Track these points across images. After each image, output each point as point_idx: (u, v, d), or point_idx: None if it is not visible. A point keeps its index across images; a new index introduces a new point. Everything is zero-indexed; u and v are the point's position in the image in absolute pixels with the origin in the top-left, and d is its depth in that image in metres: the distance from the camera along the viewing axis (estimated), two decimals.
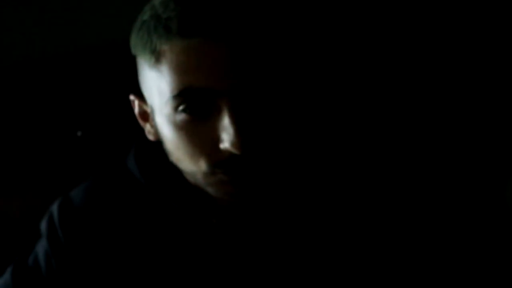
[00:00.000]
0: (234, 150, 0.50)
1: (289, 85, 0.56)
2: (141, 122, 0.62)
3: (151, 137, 0.61)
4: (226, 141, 0.50)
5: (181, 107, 0.51)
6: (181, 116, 0.52)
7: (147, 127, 0.61)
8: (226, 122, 0.50)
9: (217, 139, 0.51)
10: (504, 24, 1.09)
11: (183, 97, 0.51)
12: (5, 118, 1.09)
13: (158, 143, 0.59)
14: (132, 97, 0.62)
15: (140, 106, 0.61)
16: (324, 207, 0.63)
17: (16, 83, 1.05)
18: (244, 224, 0.62)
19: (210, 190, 0.57)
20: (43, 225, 0.66)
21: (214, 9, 0.49)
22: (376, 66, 1.15)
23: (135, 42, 0.55)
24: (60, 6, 1.03)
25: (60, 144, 1.10)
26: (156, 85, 0.53)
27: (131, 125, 0.67)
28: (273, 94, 0.53)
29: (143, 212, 0.64)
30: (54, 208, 0.66)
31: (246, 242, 0.61)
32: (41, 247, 0.65)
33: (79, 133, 1.08)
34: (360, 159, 0.70)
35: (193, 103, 0.51)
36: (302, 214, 0.62)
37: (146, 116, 0.60)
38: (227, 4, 0.50)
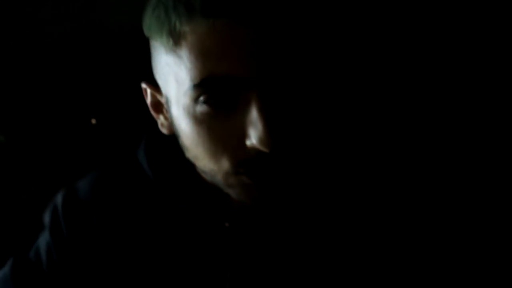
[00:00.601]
0: (262, 148, 0.44)
1: (317, 76, 0.50)
2: (154, 113, 0.56)
3: (164, 130, 0.55)
4: (254, 137, 0.44)
5: (202, 98, 0.45)
6: (202, 108, 0.46)
7: (161, 119, 0.55)
8: (254, 115, 0.44)
9: (243, 135, 0.45)
10: (504, 24, 1.05)
11: (206, 86, 0.44)
12: (18, 107, 1.07)
13: (172, 137, 0.54)
14: (144, 85, 0.55)
15: (153, 96, 0.55)
16: (334, 208, 0.58)
17: (27, 75, 1.03)
18: (258, 229, 0.56)
19: (231, 192, 0.51)
20: (47, 217, 0.62)
21: None
22: (380, 67, 1.14)
23: (150, 22, 0.48)
24: None
25: (74, 132, 1.07)
26: (174, 72, 0.47)
27: (145, 114, 0.62)
28: (303, 85, 0.47)
29: (150, 209, 0.59)
30: (59, 199, 0.62)
31: (259, 248, 0.56)
32: (43, 239, 0.62)
33: (93, 121, 1.05)
34: (365, 159, 0.66)
35: (216, 94, 0.45)
36: (313, 217, 0.57)
37: (160, 107, 0.54)
38: None
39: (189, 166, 0.55)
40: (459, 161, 1.07)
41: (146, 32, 0.50)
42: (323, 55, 0.50)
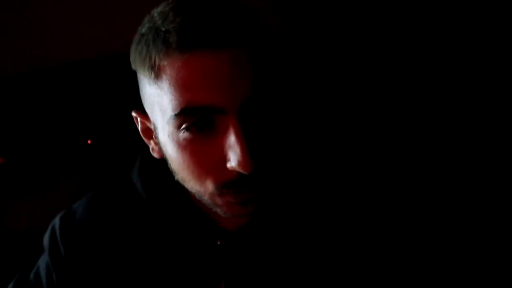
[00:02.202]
0: (242, 170, 0.47)
1: (289, 97, 0.53)
2: (145, 139, 0.59)
3: (155, 154, 0.58)
4: (233, 160, 0.47)
5: (184, 126, 0.48)
6: (184, 135, 0.49)
7: (151, 144, 0.58)
8: (232, 140, 0.47)
9: (224, 159, 0.48)
10: (504, 24, 1.07)
11: (186, 115, 0.48)
12: (16, 126, 1.09)
13: (164, 160, 0.56)
14: (134, 114, 0.59)
15: (142, 123, 0.58)
16: (320, 219, 0.60)
17: (26, 94, 1.06)
18: (250, 246, 0.59)
19: (218, 211, 0.54)
20: (46, 240, 0.65)
21: (214, 20, 0.46)
22: (375, 69, 1.14)
23: (134, 57, 0.52)
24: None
25: (70, 152, 1.10)
26: (158, 102, 0.50)
27: (138, 137, 0.65)
28: (277, 108, 0.50)
29: (144, 229, 0.61)
30: (56, 222, 0.64)
31: (251, 264, 0.58)
32: (42, 261, 0.64)
33: (89, 142, 1.08)
34: (359, 163, 0.68)
35: (196, 122, 0.48)
36: (302, 229, 0.60)
37: (150, 133, 0.57)
38: (227, 15, 0.48)
39: (180, 187, 0.57)
40: (458, 162, 1.08)
41: (132, 65, 0.54)
42: (291, 79, 0.53)
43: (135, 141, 0.66)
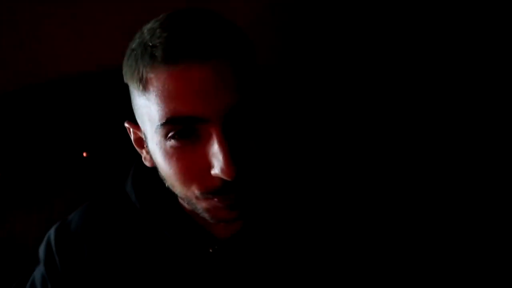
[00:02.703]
0: (225, 177, 0.50)
1: (271, 104, 0.55)
2: (137, 148, 0.62)
3: (147, 163, 0.61)
4: (217, 167, 0.50)
5: (170, 134, 0.51)
6: (171, 143, 0.52)
7: (143, 153, 0.61)
8: (215, 148, 0.50)
9: (208, 165, 0.51)
10: (504, 24, 1.09)
11: (171, 124, 0.51)
12: (11, 139, 1.10)
13: (155, 169, 0.59)
14: (127, 125, 0.62)
15: (135, 133, 0.61)
16: (320, 224, 0.63)
17: (21, 107, 1.07)
18: (241, 253, 0.61)
19: (205, 215, 0.56)
20: (41, 251, 0.67)
21: (197, 34, 0.50)
22: (372, 70, 1.14)
23: (125, 70, 0.55)
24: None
25: (65, 164, 1.11)
26: (146, 113, 0.53)
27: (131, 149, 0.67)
28: (258, 116, 0.53)
29: (138, 238, 0.63)
30: (51, 233, 0.67)
31: (243, 271, 0.60)
32: (38, 273, 0.66)
33: (84, 154, 1.09)
34: (356, 165, 0.69)
35: (181, 130, 0.51)
36: (298, 236, 0.62)
37: (142, 142, 0.60)
38: (210, 30, 0.51)
39: (172, 195, 0.60)
40: (456, 162, 1.09)
41: (124, 78, 0.57)
42: (271, 87, 0.55)
43: (130, 152, 0.68)
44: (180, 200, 0.62)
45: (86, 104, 1.06)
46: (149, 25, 0.54)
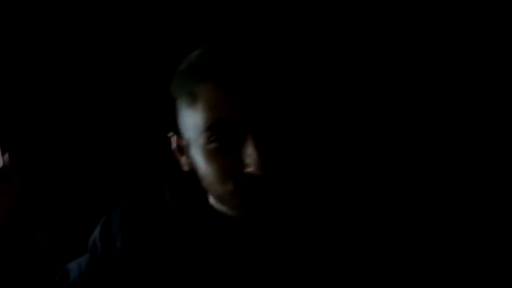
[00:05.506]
0: (257, 173, 0.60)
1: (299, 116, 0.67)
2: (177, 155, 0.73)
3: (185, 167, 0.71)
4: (250, 165, 0.60)
5: (211, 138, 0.63)
6: (212, 146, 0.63)
7: (183, 159, 0.72)
8: (250, 149, 0.60)
9: (242, 165, 0.61)
10: (504, 24, 1.12)
11: (214, 129, 0.62)
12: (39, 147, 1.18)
13: (189, 177, 0.70)
14: (171, 134, 0.73)
15: (177, 142, 0.72)
16: (331, 219, 0.71)
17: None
18: (265, 250, 0.69)
19: (235, 212, 0.66)
20: (89, 241, 0.77)
21: (235, 59, 0.63)
22: (378, 72, 1.19)
23: (175, 87, 0.68)
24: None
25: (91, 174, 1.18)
26: (193, 122, 0.65)
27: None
28: (287, 124, 0.64)
29: (170, 232, 0.73)
30: (98, 226, 0.77)
31: (265, 269, 0.68)
32: (84, 259, 0.76)
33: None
34: (364, 166, 0.76)
35: (222, 135, 0.62)
36: (313, 227, 0.70)
37: (183, 149, 0.71)
38: (245, 54, 0.64)
39: (204, 197, 0.71)
40: (461, 164, 1.12)
41: (173, 94, 0.69)
42: (300, 100, 0.67)
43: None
44: (211, 201, 0.72)
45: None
46: (196, 52, 0.67)
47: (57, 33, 1.21)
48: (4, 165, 0.65)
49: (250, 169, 0.60)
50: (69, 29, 1.22)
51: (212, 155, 0.63)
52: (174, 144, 0.73)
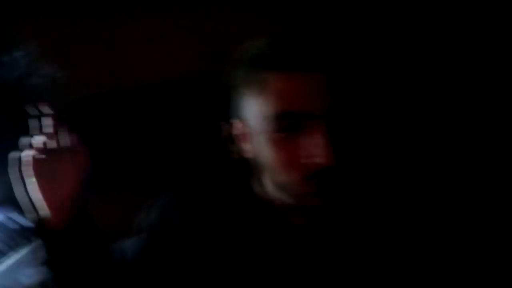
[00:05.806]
0: (324, 163, 0.61)
1: (365, 107, 0.65)
2: (240, 142, 0.72)
3: (249, 154, 0.71)
4: (318, 155, 0.61)
5: (279, 127, 0.63)
6: (279, 135, 0.64)
7: (246, 146, 0.71)
8: (317, 139, 0.61)
9: (310, 154, 0.62)
10: (504, 24, 1.11)
11: (283, 119, 0.63)
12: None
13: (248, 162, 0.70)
14: (233, 121, 0.72)
15: (240, 129, 0.72)
16: (392, 213, 0.72)
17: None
18: (317, 240, 0.71)
19: (294, 200, 0.67)
20: (141, 223, 0.79)
21: (306, 49, 0.64)
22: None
23: (239, 75, 0.68)
24: None
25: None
26: (260, 110, 0.65)
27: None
28: (354, 115, 0.64)
29: (220, 218, 0.74)
30: (150, 209, 0.79)
31: (319, 259, 0.70)
32: (139, 239, 0.78)
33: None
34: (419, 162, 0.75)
35: (290, 124, 0.63)
36: (372, 220, 0.71)
37: (246, 136, 0.71)
38: (317, 44, 0.65)
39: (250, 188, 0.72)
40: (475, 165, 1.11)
41: (233, 82, 0.69)
42: (366, 92, 0.65)
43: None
44: (256, 189, 0.73)
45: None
46: (262, 41, 0.66)
47: None
48: (72, 144, 0.68)
49: (317, 159, 0.61)
50: None
51: (280, 143, 0.64)
52: (236, 131, 0.72)
